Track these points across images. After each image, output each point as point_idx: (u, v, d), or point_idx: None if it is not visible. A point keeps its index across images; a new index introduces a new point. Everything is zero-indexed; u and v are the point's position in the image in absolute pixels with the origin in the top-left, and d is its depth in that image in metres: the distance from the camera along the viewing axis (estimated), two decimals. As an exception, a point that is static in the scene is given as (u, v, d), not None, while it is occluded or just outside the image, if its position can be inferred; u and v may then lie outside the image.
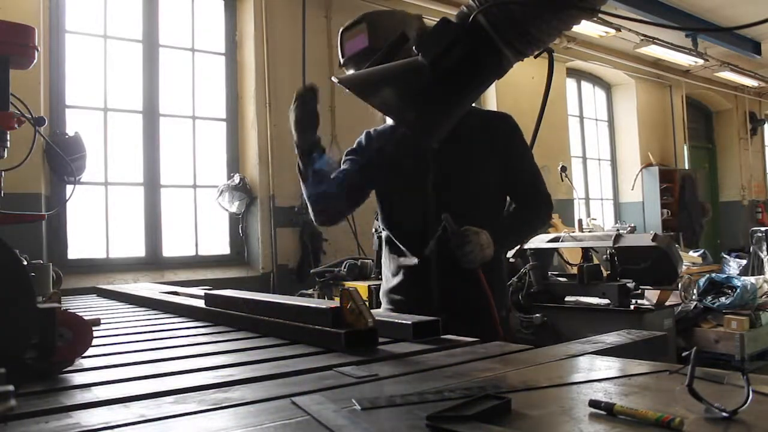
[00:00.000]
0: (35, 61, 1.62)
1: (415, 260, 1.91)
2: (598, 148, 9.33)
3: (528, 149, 1.91)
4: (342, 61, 1.98)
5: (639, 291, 3.89)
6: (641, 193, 9.26)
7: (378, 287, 2.68)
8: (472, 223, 1.77)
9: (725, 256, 8.65)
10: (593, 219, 8.43)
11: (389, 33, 1.80)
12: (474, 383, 1.05)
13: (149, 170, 4.90)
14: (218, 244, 5.33)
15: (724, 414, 0.79)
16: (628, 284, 3.86)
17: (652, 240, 3.85)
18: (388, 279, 2.02)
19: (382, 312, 1.87)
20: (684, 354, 0.98)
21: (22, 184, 3.64)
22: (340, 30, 1.99)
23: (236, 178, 5.14)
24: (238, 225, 5.31)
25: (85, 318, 1.22)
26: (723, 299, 4.77)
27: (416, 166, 1.92)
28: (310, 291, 4.59)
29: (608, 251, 4.16)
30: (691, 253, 7.73)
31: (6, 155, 1.64)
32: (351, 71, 1.92)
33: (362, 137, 2.08)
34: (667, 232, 8.51)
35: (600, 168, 9.34)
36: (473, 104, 1.60)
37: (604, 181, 9.41)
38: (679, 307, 4.69)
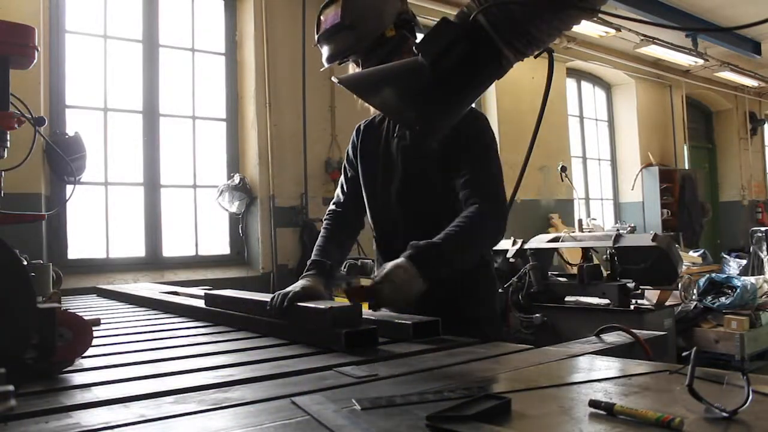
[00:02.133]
0: (35, 61, 1.62)
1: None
2: (598, 148, 9.32)
3: (489, 150, 1.77)
4: (316, 38, 1.89)
5: (639, 291, 3.89)
6: (641, 193, 9.26)
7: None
8: (439, 229, 1.61)
9: (725, 256, 8.65)
10: (593, 219, 8.43)
11: (365, 11, 1.78)
12: (474, 383, 1.05)
13: (149, 170, 4.90)
14: (218, 244, 5.33)
15: (724, 414, 0.79)
16: (628, 284, 3.86)
17: (652, 240, 3.85)
18: None
19: (381, 312, 1.87)
20: (684, 354, 0.98)
21: (22, 184, 3.64)
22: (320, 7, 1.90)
23: (236, 178, 5.14)
24: (238, 225, 5.31)
25: (85, 318, 1.22)
26: (723, 299, 4.77)
27: (385, 168, 1.88)
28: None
29: (608, 251, 4.16)
30: (691, 253, 7.73)
31: (6, 155, 1.64)
32: (324, 48, 1.86)
33: (353, 135, 2.04)
34: (667, 232, 8.51)
35: (600, 168, 9.33)
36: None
37: (604, 181, 9.41)
38: (679, 307, 4.69)
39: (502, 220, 1.69)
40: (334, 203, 2.06)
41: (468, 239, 1.61)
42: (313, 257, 1.83)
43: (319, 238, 1.94)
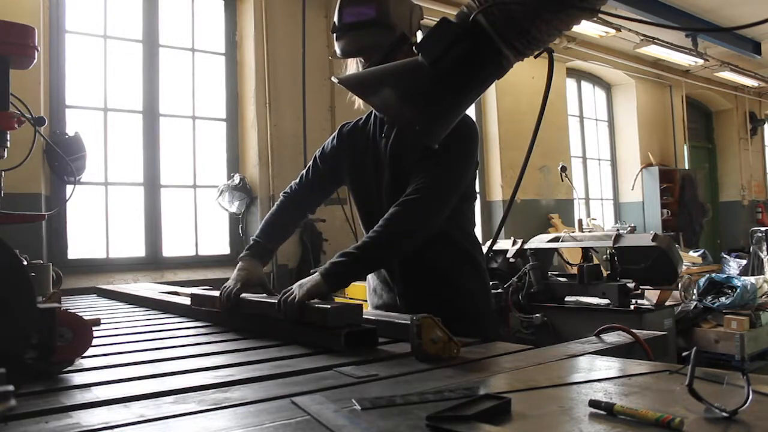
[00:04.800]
0: (35, 61, 1.62)
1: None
2: (598, 148, 9.32)
3: (453, 152, 1.67)
4: (336, 25, 1.81)
5: (639, 291, 3.89)
6: (641, 193, 9.26)
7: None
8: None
9: (725, 256, 8.66)
10: (593, 219, 8.43)
11: (397, 13, 1.76)
12: (474, 383, 1.05)
13: (149, 170, 4.90)
14: (218, 244, 5.33)
15: (724, 414, 0.79)
16: (628, 284, 3.86)
17: (652, 240, 3.85)
18: (368, 281, 2.02)
19: (381, 312, 1.87)
20: (684, 354, 0.98)
21: (22, 184, 3.64)
22: None
23: (236, 178, 5.14)
24: (238, 225, 5.31)
25: (85, 318, 1.22)
26: (723, 299, 4.78)
27: (374, 169, 1.86)
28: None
29: (608, 251, 4.17)
30: (691, 253, 7.73)
31: (6, 155, 1.64)
32: (340, 42, 1.81)
33: (335, 135, 2.02)
34: (667, 232, 8.51)
35: (600, 168, 9.33)
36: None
37: (604, 181, 9.41)
38: (679, 307, 4.69)
39: (416, 225, 1.66)
40: (293, 184, 2.08)
41: (375, 252, 1.63)
42: (254, 237, 1.96)
43: (269, 215, 2.03)
